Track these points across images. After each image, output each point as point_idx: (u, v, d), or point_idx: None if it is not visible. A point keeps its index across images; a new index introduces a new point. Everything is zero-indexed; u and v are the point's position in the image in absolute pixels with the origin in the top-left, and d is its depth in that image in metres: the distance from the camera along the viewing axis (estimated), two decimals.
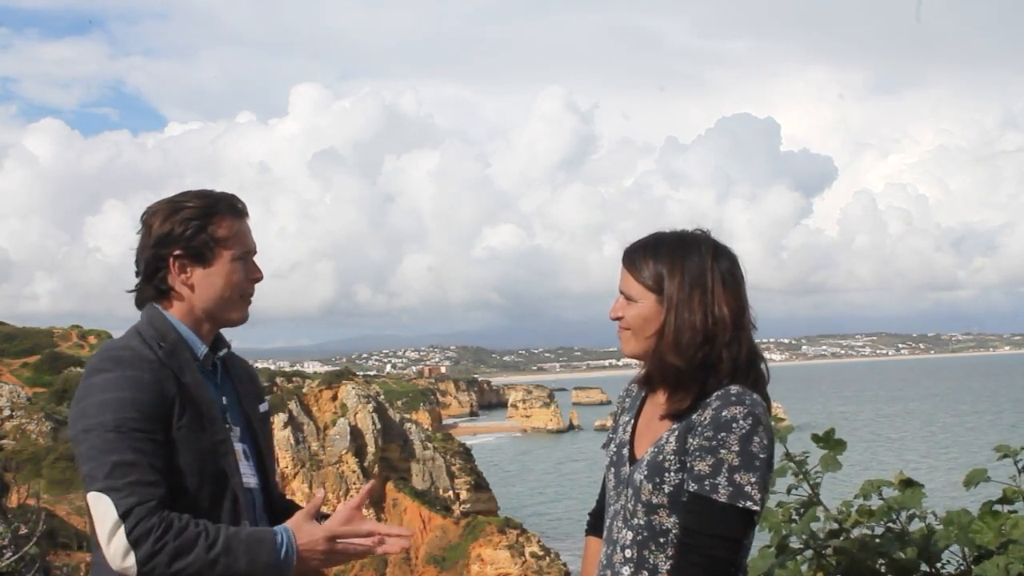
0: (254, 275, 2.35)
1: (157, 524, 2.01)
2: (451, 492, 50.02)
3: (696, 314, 2.16)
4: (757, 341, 2.26)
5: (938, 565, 3.21)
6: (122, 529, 2.00)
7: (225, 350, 2.39)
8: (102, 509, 2.02)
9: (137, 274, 2.31)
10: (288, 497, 2.54)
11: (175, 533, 2.02)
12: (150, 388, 2.12)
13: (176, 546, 2.01)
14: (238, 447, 2.29)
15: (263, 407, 2.47)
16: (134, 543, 2.00)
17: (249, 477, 2.30)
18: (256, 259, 2.38)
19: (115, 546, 2.01)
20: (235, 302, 2.33)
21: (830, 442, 3.35)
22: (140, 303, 2.32)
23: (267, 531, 2.13)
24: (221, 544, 2.05)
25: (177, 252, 2.25)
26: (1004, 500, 3.25)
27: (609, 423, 2.46)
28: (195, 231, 2.25)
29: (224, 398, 2.33)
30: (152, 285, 2.28)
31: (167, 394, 2.14)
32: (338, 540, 2.17)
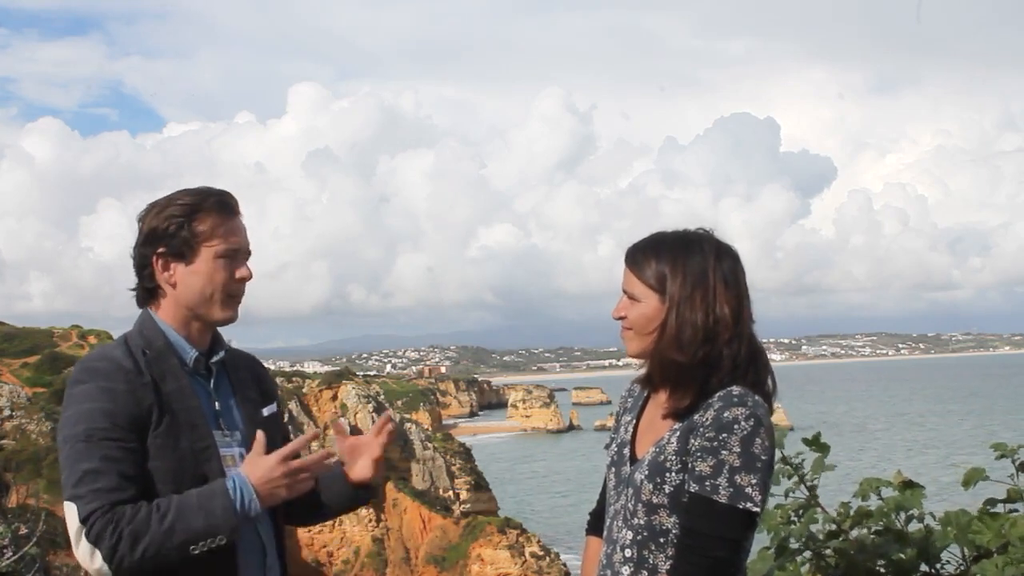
0: (240, 274, 2.29)
1: (110, 518, 2.03)
2: (451, 492, 49.98)
3: (697, 313, 2.16)
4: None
5: (937, 566, 3.20)
6: (83, 533, 2.04)
7: (222, 352, 2.35)
8: (70, 517, 2.06)
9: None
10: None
11: (128, 519, 2.04)
12: (123, 398, 2.12)
13: (132, 530, 2.03)
14: (233, 451, 2.27)
15: (269, 409, 2.43)
16: (95, 542, 2.03)
17: None
18: (254, 259, 2.33)
19: (81, 551, 2.06)
20: (218, 301, 2.27)
21: (819, 445, 3.36)
22: (140, 302, 2.31)
23: (218, 481, 2.13)
24: (173, 511, 2.06)
25: (161, 249, 2.23)
26: (1005, 500, 3.24)
27: (610, 423, 2.47)
28: (176, 228, 2.22)
29: (217, 403, 2.30)
30: (141, 284, 2.28)
31: (142, 403, 2.14)
32: (291, 459, 2.17)
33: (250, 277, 2.31)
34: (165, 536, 2.04)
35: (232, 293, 2.29)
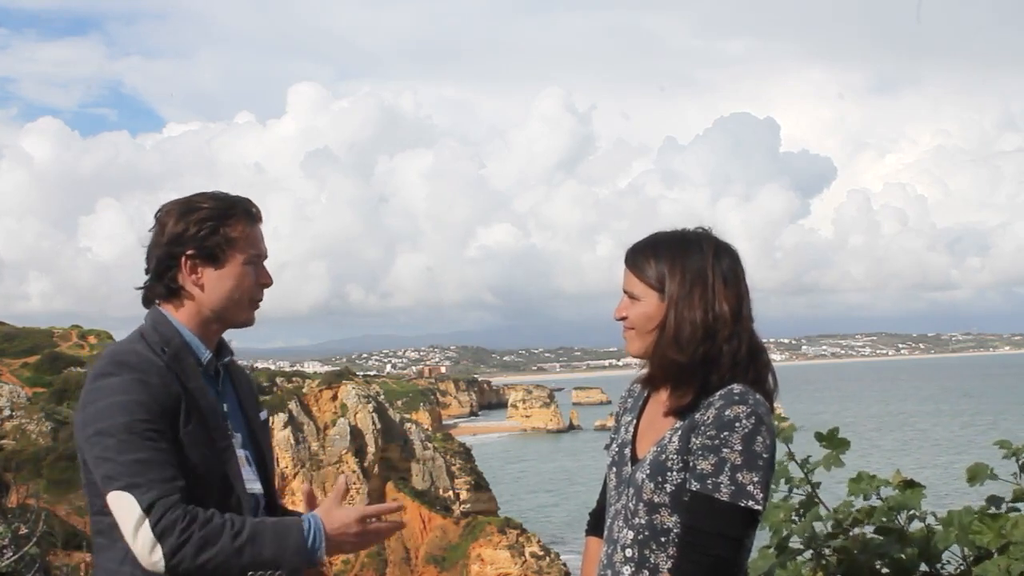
0: (264, 280, 2.35)
1: (182, 516, 2.02)
2: (451, 492, 49.98)
3: (696, 311, 2.17)
4: None
5: (938, 565, 3.20)
6: (147, 523, 2.01)
7: (229, 357, 2.39)
8: (125, 506, 2.03)
9: (147, 271, 2.31)
10: (288, 497, 2.53)
11: (200, 524, 2.02)
12: (157, 391, 2.11)
13: (202, 536, 2.01)
14: (241, 453, 2.29)
15: (262, 415, 2.47)
16: (160, 536, 2.00)
17: (252, 483, 2.29)
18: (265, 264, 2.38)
19: (141, 541, 2.01)
20: (244, 305, 2.32)
21: (834, 441, 3.35)
22: (147, 301, 2.31)
23: (294, 519, 2.14)
24: (247, 533, 2.05)
25: (190, 252, 2.25)
26: (1011, 500, 3.23)
27: (610, 423, 2.47)
28: (209, 232, 2.25)
29: (225, 404, 2.32)
30: (162, 284, 2.28)
31: (173, 398, 2.14)
32: (369, 519, 2.19)
33: (273, 283, 2.37)
34: (233, 554, 2.03)
35: (256, 298, 2.35)
